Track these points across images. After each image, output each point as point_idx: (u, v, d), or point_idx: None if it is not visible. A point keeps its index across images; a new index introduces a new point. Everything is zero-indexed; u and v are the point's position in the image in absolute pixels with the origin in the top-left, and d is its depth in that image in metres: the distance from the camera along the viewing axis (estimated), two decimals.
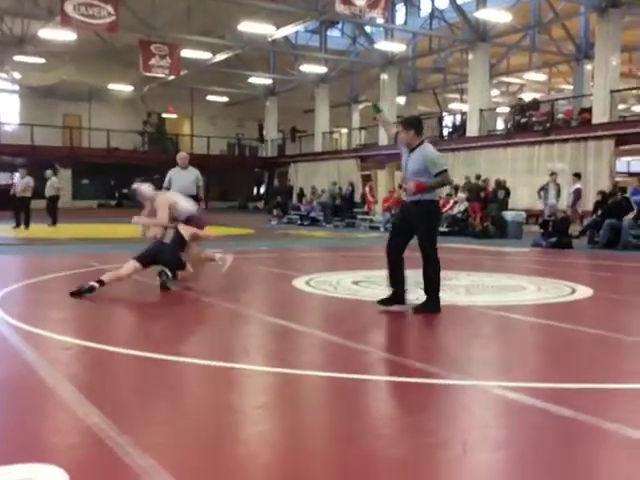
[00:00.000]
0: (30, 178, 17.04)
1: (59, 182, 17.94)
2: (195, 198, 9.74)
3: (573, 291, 7.26)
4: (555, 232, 13.88)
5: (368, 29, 28.85)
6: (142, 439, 2.69)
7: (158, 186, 8.24)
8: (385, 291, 6.15)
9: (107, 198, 34.40)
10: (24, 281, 7.49)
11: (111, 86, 30.70)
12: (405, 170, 5.91)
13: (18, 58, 26.32)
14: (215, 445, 2.73)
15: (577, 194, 16.50)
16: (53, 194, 17.83)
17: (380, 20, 21.30)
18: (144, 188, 7.35)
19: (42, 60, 26.39)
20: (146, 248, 6.72)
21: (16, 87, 33.61)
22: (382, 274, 8.49)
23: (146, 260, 6.57)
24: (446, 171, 5.77)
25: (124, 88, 30.97)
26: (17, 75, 30.77)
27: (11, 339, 4.48)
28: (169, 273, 6.66)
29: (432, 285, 5.73)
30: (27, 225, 16.66)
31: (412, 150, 5.81)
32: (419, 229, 5.74)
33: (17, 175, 18.23)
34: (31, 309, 6.01)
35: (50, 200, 17.80)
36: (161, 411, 3.15)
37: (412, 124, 5.84)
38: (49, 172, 18.26)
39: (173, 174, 9.95)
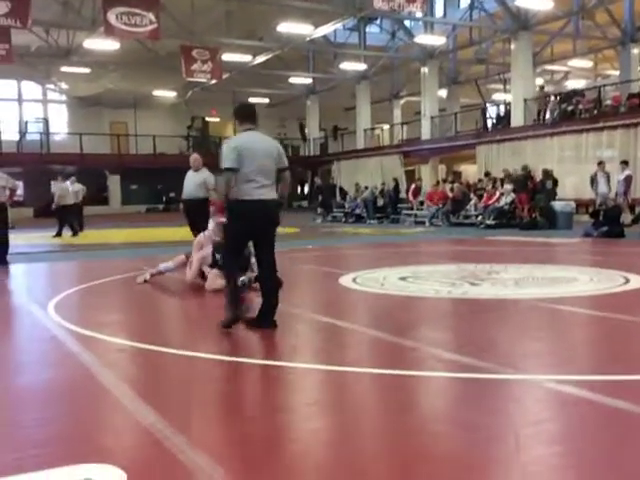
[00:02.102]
0: (80, 185, 17.34)
1: (71, 188, 17.46)
2: (204, 202, 9.67)
3: (627, 281, 7.08)
4: (606, 221, 13.54)
5: (407, 23, 28.63)
6: (197, 438, 2.74)
7: None
8: (434, 286, 6.12)
9: (155, 203, 35.01)
10: (78, 286, 7.69)
11: (155, 92, 31.24)
12: None
13: (65, 69, 27.01)
14: (269, 443, 2.76)
15: (628, 181, 16.05)
16: (73, 202, 17.15)
17: (419, 14, 21.12)
18: None
19: (88, 70, 27.03)
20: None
21: (64, 97, 34.51)
22: (429, 269, 8.46)
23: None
24: (227, 170, 4.86)
25: (168, 94, 31.48)
26: (64, 85, 31.59)
27: (68, 343, 4.62)
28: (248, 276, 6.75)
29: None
30: (75, 232, 16.86)
31: None
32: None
33: (54, 183, 18.26)
34: (86, 313, 6.16)
35: (68, 208, 17.00)
36: (215, 410, 3.21)
37: (235, 112, 5.27)
38: (68, 179, 17.89)
39: (186, 177, 9.98)
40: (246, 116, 5.11)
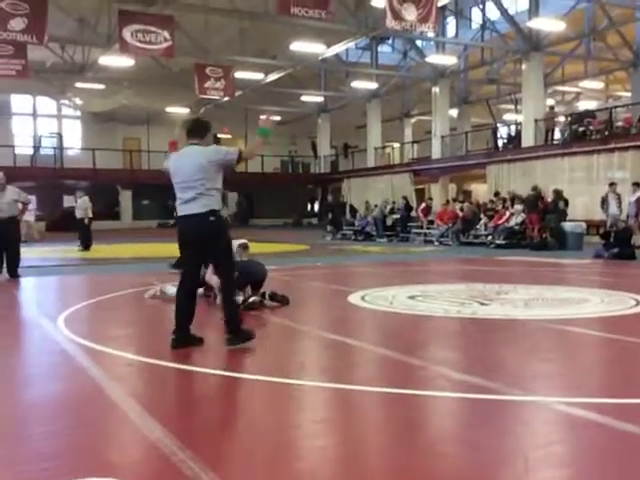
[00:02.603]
0: (86, 199, 17.40)
1: (86, 203, 17.54)
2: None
3: (637, 303, 7.03)
4: (617, 243, 13.48)
5: (419, 43, 28.81)
6: (204, 454, 2.74)
7: None
8: (443, 305, 6.09)
9: (166, 218, 35.16)
10: (88, 300, 7.72)
11: (168, 109, 31.52)
12: None
13: (79, 85, 27.31)
14: (276, 460, 2.75)
15: (639, 203, 15.99)
16: (82, 216, 17.23)
17: (431, 34, 21.21)
18: None
19: (102, 86, 27.33)
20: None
21: (78, 113, 34.87)
22: (438, 288, 8.44)
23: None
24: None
25: (181, 110, 31.74)
26: (79, 101, 31.93)
27: (77, 356, 4.63)
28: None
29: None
30: (85, 246, 16.99)
31: None
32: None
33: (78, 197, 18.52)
34: (95, 327, 6.18)
35: (80, 222, 17.21)
36: (222, 426, 3.20)
37: (183, 127, 5.36)
38: (78, 193, 18.15)
39: None
40: (190, 130, 5.08)
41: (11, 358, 4.85)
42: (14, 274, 10.05)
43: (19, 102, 34.14)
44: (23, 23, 17.13)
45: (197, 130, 5.08)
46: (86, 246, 17.00)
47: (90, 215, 17.21)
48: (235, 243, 7.33)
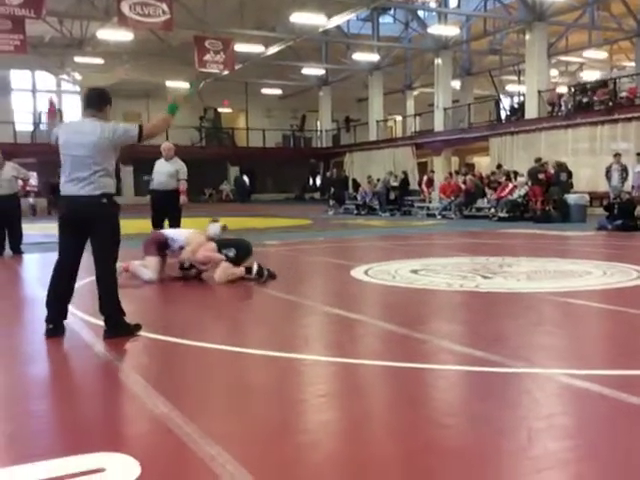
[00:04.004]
0: None
1: None
2: (175, 192, 9.40)
3: None
4: (620, 215, 13.44)
5: (421, 14, 28.47)
6: (209, 428, 2.76)
7: None
8: (446, 279, 6.07)
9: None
10: (92, 276, 7.72)
11: (168, 83, 31.27)
12: None
13: (78, 59, 27.10)
14: (280, 433, 2.77)
15: None
16: None
17: (433, 4, 21.00)
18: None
19: (101, 61, 27.11)
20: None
21: (77, 88, 34.64)
22: (440, 262, 8.44)
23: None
24: None
25: (181, 85, 31.49)
26: (78, 76, 31.70)
27: (82, 332, 4.65)
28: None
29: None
30: None
31: None
32: None
33: None
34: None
35: None
36: (226, 401, 3.22)
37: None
38: None
39: (156, 166, 9.54)
40: (87, 101, 4.60)
41: (15, 335, 4.87)
42: (17, 250, 10.07)
43: (18, 78, 33.92)
44: None
45: (95, 101, 4.56)
46: None
47: None
48: (216, 225, 7.42)
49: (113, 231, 4.55)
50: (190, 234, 7.25)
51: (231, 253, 6.93)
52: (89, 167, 4.37)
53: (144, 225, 9.98)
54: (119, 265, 6.95)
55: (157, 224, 9.39)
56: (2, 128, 29.40)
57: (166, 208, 9.40)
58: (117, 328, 4.47)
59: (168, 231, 7.81)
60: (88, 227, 4.45)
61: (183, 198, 9.50)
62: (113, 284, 4.60)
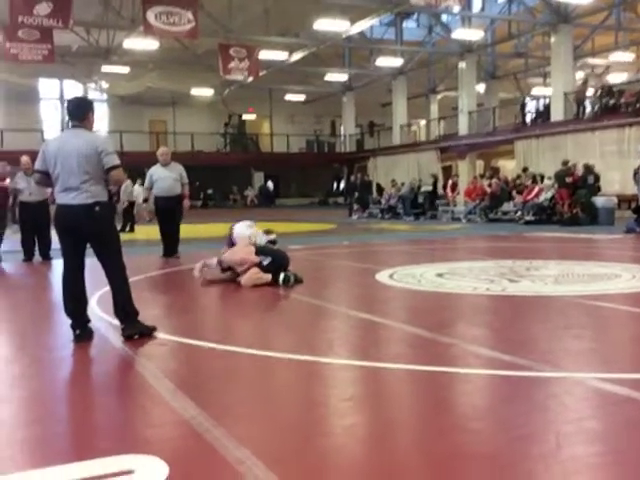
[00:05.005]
0: (129, 183, 17.48)
1: (129, 188, 17.63)
2: (179, 197, 9.51)
3: None
4: None
5: (444, 18, 28.35)
6: (236, 431, 2.78)
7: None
8: (472, 283, 6.02)
9: (193, 199, 35.36)
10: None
11: (193, 91, 31.57)
12: None
13: (105, 68, 27.47)
14: (306, 437, 2.78)
15: None
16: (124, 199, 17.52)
17: (457, 8, 20.88)
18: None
19: (127, 69, 27.45)
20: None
21: (104, 96, 35.10)
22: (466, 265, 8.39)
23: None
24: (35, 171, 4.83)
25: (206, 92, 31.76)
26: (105, 85, 32.13)
27: (110, 337, 4.71)
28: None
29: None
30: (131, 228, 17.29)
31: None
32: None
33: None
34: None
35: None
36: (253, 404, 3.24)
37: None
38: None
39: (154, 173, 9.47)
40: (70, 112, 4.67)
41: (44, 339, 4.95)
42: (46, 256, 10.22)
43: (46, 87, 34.44)
44: (48, 8, 17.26)
45: (76, 111, 4.65)
46: (131, 228, 17.26)
47: (132, 199, 17.41)
48: (266, 236, 7.58)
49: (110, 234, 4.73)
50: (243, 237, 7.49)
51: (266, 261, 7.01)
52: (80, 176, 4.47)
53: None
54: (199, 264, 7.24)
55: (165, 229, 9.52)
56: (31, 136, 29.85)
57: (174, 213, 9.49)
58: (134, 327, 4.59)
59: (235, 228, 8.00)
60: (85, 234, 4.60)
61: (187, 202, 9.61)
62: (124, 284, 4.70)
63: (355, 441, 2.78)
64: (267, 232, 7.85)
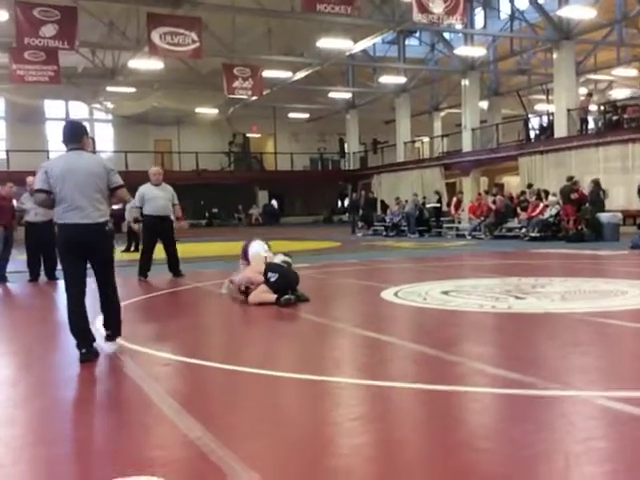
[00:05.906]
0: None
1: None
2: (170, 217, 9.50)
3: None
4: None
5: (447, 35, 28.55)
6: (243, 452, 2.76)
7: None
8: (477, 300, 5.99)
9: (198, 218, 35.51)
10: (126, 301, 7.81)
11: (198, 110, 31.79)
12: None
13: (110, 89, 27.72)
14: (313, 457, 2.76)
15: None
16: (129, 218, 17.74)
17: (459, 26, 21.01)
18: None
19: (133, 89, 27.70)
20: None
21: (110, 116, 35.38)
22: (472, 283, 8.36)
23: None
24: (36, 191, 4.87)
25: (210, 111, 31.98)
26: (110, 105, 32.40)
27: (115, 356, 4.70)
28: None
29: None
30: (136, 247, 17.23)
31: None
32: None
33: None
34: (132, 327, 6.25)
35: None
36: (259, 424, 3.22)
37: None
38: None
39: (146, 192, 9.47)
40: (65, 137, 4.77)
41: (50, 359, 4.94)
42: (52, 277, 10.24)
43: (52, 107, 34.73)
44: (54, 29, 17.44)
45: (72, 134, 4.78)
46: (136, 248, 17.21)
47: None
48: (281, 257, 7.59)
49: (112, 252, 4.95)
50: (260, 257, 7.50)
51: (273, 278, 7.00)
52: (92, 194, 4.63)
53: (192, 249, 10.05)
54: (226, 282, 7.30)
55: (151, 248, 9.54)
56: (37, 157, 30.04)
57: (165, 232, 9.51)
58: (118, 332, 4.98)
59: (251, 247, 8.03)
60: (92, 252, 4.72)
61: (183, 223, 9.64)
62: (118, 302, 5.01)
63: (364, 461, 2.75)
64: (286, 255, 7.85)
